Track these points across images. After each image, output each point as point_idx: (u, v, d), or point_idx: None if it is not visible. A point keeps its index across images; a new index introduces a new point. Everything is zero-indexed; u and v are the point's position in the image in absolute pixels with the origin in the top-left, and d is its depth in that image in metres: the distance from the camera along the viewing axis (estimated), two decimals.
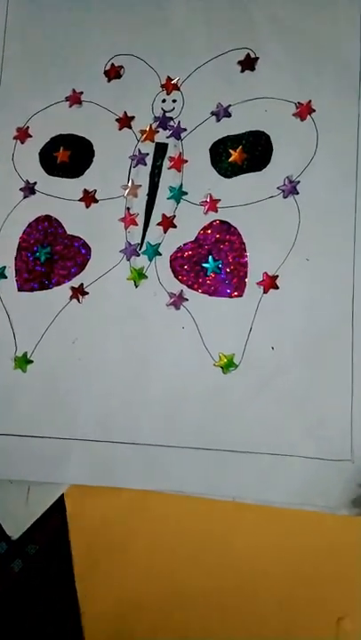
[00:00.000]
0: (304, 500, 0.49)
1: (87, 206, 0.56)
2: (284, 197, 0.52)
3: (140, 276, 0.54)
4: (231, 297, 0.52)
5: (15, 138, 0.59)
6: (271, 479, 0.49)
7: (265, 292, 0.52)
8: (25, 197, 0.58)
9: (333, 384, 0.50)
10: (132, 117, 0.57)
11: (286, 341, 0.51)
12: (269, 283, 0.51)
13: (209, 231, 0.54)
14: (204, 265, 0.53)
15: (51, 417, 0.53)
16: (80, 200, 0.56)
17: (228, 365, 0.51)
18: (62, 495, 0.52)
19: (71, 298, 0.55)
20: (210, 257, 0.53)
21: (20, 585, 0.52)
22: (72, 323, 0.54)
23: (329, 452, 0.49)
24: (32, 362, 0.54)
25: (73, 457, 0.52)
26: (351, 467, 0.49)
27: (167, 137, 0.56)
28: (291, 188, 0.52)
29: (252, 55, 0.55)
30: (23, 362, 0.55)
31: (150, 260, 0.54)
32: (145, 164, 0.56)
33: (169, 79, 0.56)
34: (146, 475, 0.51)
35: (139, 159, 0.56)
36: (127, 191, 0.56)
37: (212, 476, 0.50)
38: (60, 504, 0.53)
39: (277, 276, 0.51)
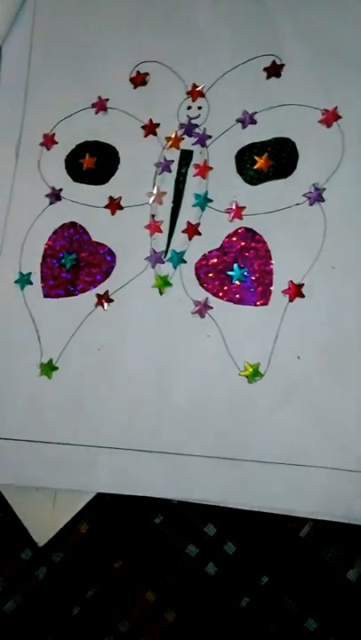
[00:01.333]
0: (326, 510, 0.48)
1: (112, 213, 0.56)
2: (310, 205, 0.52)
3: (164, 283, 0.54)
4: (256, 305, 0.52)
5: (41, 144, 0.60)
6: (294, 490, 0.48)
7: (291, 300, 0.51)
8: (51, 204, 0.58)
9: (359, 394, 0.49)
10: (158, 124, 0.57)
11: (312, 351, 0.50)
12: (295, 291, 0.51)
13: (234, 239, 0.53)
14: (230, 273, 0.53)
15: (76, 424, 0.53)
16: (105, 207, 0.56)
17: (254, 375, 0.50)
18: (89, 502, 0.52)
19: (96, 305, 0.55)
20: (235, 265, 0.53)
21: (44, 593, 0.52)
22: (97, 330, 0.54)
23: (352, 462, 0.48)
24: (57, 368, 0.54)
25: (98, 465, 0.51)
26: None
27: (193, 144, 0.56)
28: (317, 196, 0.52)
29: (278, 62, 0.55)
30: (49, 368, 0.54)
31: (175, 267, 0.54)
32: (170, 171, 0.56)
33: (194, 86, 0.56)
34: (169, 483, 0.50)
35: (164, 166, 0.56)
36: (152, 198, 0.55)
37: (235, 485, 0.49)
38: (86, 511, 0.52)
39: (303, 284, 0.51)
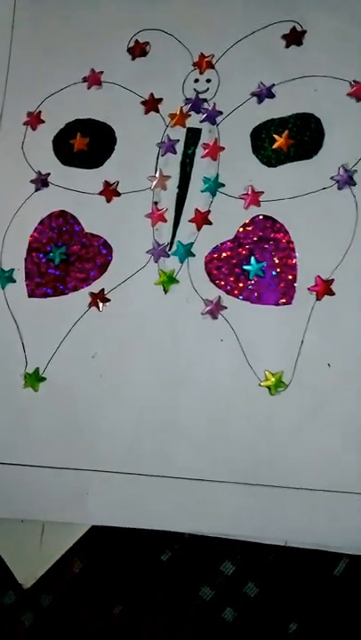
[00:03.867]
0: None
1: (108, 200, 0.52)
2: (339, 189, 0.47)
3: (169, 280, 0.49)
4: (278, 305, 0.47)
5: (25, 123, 0.56)
6: (327, 520, 0.43)
7: (318, 298, 0.46)
8: (37, 190, 0.54)
9: None
10: (160, 99, 0.52)
11: (344, 356, 0.45)
12: (323, 288, 0.46)
13: (250, 228, 0.48)
14: (246, 267, 0.48)
15: (66, 444, 0.48)
16: (100, 193, 0.52)
17: (277, 385, 0.45)
18: (82, 537, 0.47)
19: (90, 305, 0.50)
20: (252, 258, 0.48)
21: None
22: (91, 334, 0.50)
23: None
24: (45, 379, 0.50)
25: (92, 492, 0.47)
26: None
27: (201, 121, 0.51)
28: (346, 178, 0.47)
29: (299, 28, 0.50)
30: (35, 379, 0.50)
31: (182, 261, 0.49)
32: (175, 153, 0.51)
33: (202, 56, 0.52)
34: (178, 514, 0.45)
35: (168, 147, 0.51)
36: (154, 183, 0.51)
37: (260, 516, 0.44)
38: (79, 547, 0.47)
39: (333, 280, 0.46)
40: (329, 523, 0.43)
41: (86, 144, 0.53)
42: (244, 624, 0.44)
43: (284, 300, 0.46)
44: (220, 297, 0.48)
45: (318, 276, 0.46)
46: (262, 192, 0.48)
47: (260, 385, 0.45)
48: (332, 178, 0.47)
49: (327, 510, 0.43)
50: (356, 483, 0.43)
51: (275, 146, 0.49)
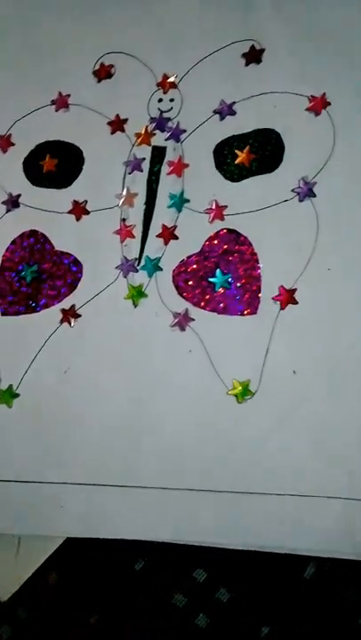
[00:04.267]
0: (334, 546, 0.43)
1: (77, 219, 0.52)
2: (300, 201, 0.48)
3: (139, 294, 0.49)
4: (243, 315, 0.47)
5: None
6: (295, 525, 0.43)
7: (282, 308, 0.46)
8: (8, 211, 0.54)
9: None
10: (126, 120, 0.53)
11: (309, 363, 0.45)
12: (287, 297, 0.46)
13: (215, 241, 0.49)
14: (212, 280, 0.48)
15: (40, 458, 0.48)
16: (69, 212, 0.52)
17: (244, 393, 0.45)
18: (57, 549, 0.47)
19: (62, 321, 0.50)
20: (217, 270, 0.48)
21: None
22: (63, 350, 0.49)
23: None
24: (18, 395, 0.49)
25: (66, 505, 0.46)
26: None
27: (165, 139, 0.52)
28: (307, 191, 0.48)
29: (258, 47, 0.51)
30: (8, 396, 0.49)
31: (150, 275, 0.49)
32: (141, 170, 0.52)
33: (165, 77, 0.53)
34: (151, 523, 0.45)
35: (134, 165, 0.52)
36: (122, 200, 0.51)
37: (227, 522, 0.44)
38: (55, 559, 0.47)
39: (296, 289, 0.46)
40: (297, 527, 0.43)
41: (55, 165, 0.53)
42: (217, 629, 0.44)
43: (249, 311, 0.47)
44: (187, 309, 0.48)
45: (282, 286, 0.46)
46: (226, 206, 0.49)
47: (227, 394, 0.45)
48: (292, 190, 0.48)
49: (295, 515, 0.43)
50: (322, 487, 0.43)
51: (237, 161, 0.49)
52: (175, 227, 0.50)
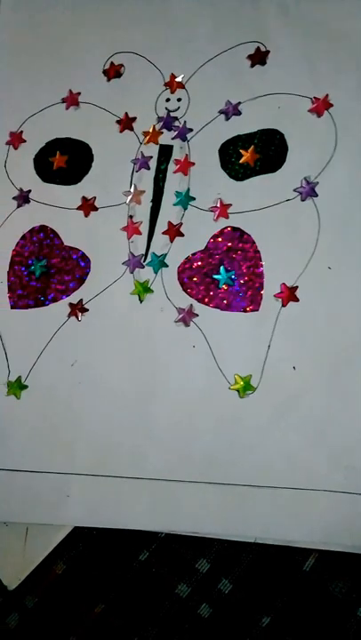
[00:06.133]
0: (331, 539, 0.44)
1: (86, 215, 0.53)
2: (302, 200, 0.48)
3: (144, 289, 0.50)
4: (246, 311, 0.48)
5: (8, 143, 0.56)
6: (296, 517, 0.44)
7: (284, 305, 0.47)
8: (18, 207, 0.54)
9: None
10: (134, 118, 0.54)
11: (309, 360, 0.46)
12: (288, 295, 0.47)
13: (220, 239, 0.49)
14: (216, 276, 0.49)
15: (48, 449, 0.48)
16: (78, 208, 0.53)
17: (245, 388, 0.46)
18: (65, 539, 0.47)
19: (69, 315, 0.51)
20: (221, 267, 0.49)
21: None
22: (71, 343, 0.50)
23: (358, 484, 0.44)
24: (27, 387, 0.50)
25: (74, 495, 0.47)
26: None
27: (172, 138, 0.53)
28: (309, 190, 0.48)
29: (263, 49, 0.52)
30: (17, 387, 0.50)
31: (156, 272, 0.50)
32: (148, 168, 0.52)
33: (173, 77, 0.53)
34: (155, 514, 0.46)
35: (141, 163, 0.52)
36: (129, 198, 0.52)
37: (229, 514, 0.45)
38: (62, 549, 0.47)
39: (297, 287, 0.47)
40: (297, 519, 0.44)
41: (65, 161, 0.54)
42: (219, 619, 0.44)
43: (251, 307, 0.47)
44: (192, 305, 0.48)
45: (283, 284, 0.47)
46: (230, 204, 0.49)
47: (229, 388, 0.46)
48: (295, 190, 0.48)
49: (295, 507, 0.44)
50: (323, 480, 0.44)
51: (242, 160, 0.50)
52: (181, 224, 0.50)
